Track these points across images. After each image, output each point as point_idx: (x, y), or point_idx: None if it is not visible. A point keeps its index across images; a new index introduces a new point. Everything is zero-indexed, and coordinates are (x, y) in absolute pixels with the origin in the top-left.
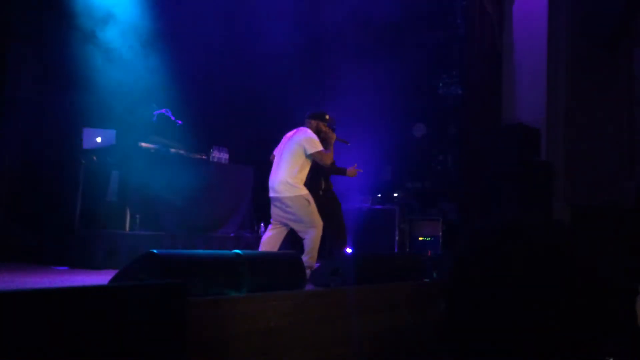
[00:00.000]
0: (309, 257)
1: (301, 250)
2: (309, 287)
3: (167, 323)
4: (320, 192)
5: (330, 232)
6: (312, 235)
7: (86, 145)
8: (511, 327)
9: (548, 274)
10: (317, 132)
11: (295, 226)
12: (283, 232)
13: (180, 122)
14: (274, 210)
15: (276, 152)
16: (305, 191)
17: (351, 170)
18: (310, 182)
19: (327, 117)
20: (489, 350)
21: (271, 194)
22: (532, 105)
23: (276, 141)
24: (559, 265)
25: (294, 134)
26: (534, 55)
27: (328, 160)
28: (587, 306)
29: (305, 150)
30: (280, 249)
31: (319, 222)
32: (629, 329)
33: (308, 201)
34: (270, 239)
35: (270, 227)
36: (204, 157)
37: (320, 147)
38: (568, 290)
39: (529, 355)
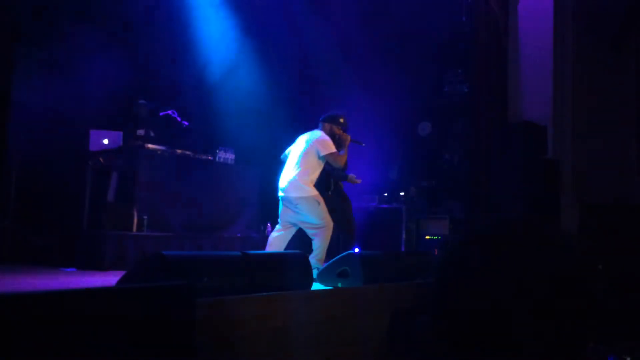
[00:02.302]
0: (318, 257)
1: (305, 249)
2: (316, 286)
3: (174, 324)
4: (329, 193)
5: (340, 231)
6: (322, 236)
7: (93, 147)
8: (492, 333)
9: (530, 283)
10: (331, 135)
11: (305, 226)
12: (291, 232)
13: (186, 123)
14: (284, 210)
15: (289, 152)
16: (315, 192)
17: (352, 177)
18: (319, 183)
19: (341, 120)
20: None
21: (281, 194)
22: (539, 102)
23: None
24: (542, 276)
25: (308, 135)
26: (539, 52)
27: (341, 162)
28: (574, 319)
29: (318, 152)
30: (286, 248)
31: (329, 223)
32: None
33: (318, 202)
34: (277, 239)
35: (277, 227)
36: (210, 157)
37: (333, 149)
38: (551, 301)
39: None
